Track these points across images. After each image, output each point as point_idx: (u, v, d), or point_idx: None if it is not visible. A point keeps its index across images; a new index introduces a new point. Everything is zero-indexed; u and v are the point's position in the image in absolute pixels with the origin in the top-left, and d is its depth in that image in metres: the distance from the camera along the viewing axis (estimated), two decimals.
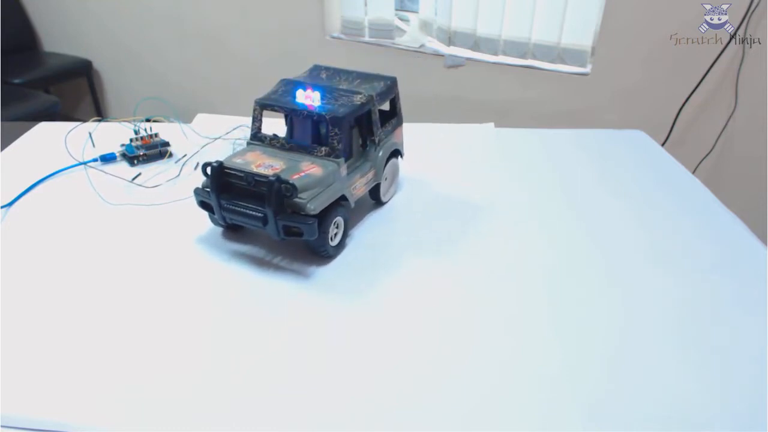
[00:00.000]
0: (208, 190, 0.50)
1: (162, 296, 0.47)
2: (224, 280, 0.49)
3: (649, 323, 0.44)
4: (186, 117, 0.78)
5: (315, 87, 0.54)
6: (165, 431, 0.35)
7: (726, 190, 0.74)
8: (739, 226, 0.58)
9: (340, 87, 0.55)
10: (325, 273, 0.50)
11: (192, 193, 0.52)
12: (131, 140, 0.70)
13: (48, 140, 0.74)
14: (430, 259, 0.52)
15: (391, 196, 0.63)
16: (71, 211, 0.59)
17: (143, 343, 0.42)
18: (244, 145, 0.55)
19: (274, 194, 0.46)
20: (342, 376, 0.39)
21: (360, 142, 0.56)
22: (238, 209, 0.49)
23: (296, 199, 0.47)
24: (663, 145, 0.86)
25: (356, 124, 0.55)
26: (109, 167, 0.67)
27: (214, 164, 0.49)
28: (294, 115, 0.53)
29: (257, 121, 0.55)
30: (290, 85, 0.55)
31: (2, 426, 0.35)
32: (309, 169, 0.49)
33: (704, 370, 0.40)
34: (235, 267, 0.51)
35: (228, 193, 0.50)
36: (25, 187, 0.63)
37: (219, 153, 0.69)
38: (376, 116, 0.55)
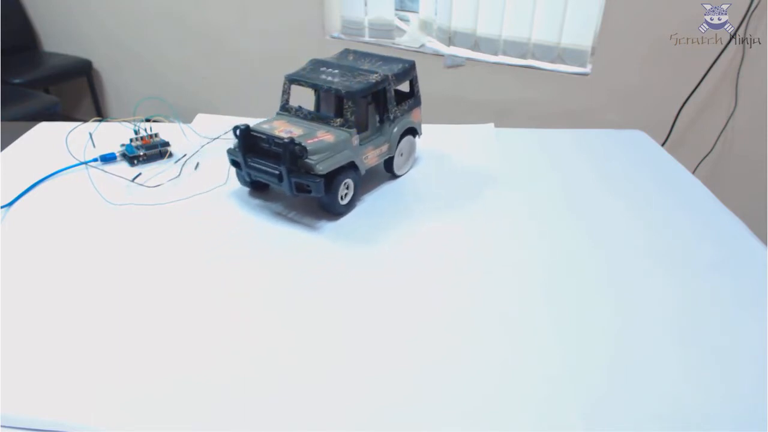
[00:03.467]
0: (237, 150, 0.57)
1: (162, 296, 0.47)
2: (225, 281, 0.49)
3: (649, 323, 0.44)
4: (186, 117, 0.78)
5: (338, 66, 0.62)
6: (165, 431, 0.35)
7: (726, 190, 0.74)
8: (739, 226, 0.58)
9: (361, 67, 0.62)
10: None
11: (191, 194, 0.56)
12: (131, 140, 0.70)
13: (48, 140, 0.74)
14: (429, 258, 0.52)
15: (407, 171, 0.69)
16: (71, 211, 0.59)
17: (143, 343, 0.42)
18: None
19: (288, 154, 0.53)
20: (335, 386, 0.39)
21: (377, 118, 0.62)
22: (259, 166, 0.57)
23: (307, 160, 0.54)
24: (663, 145, 0.86)
25: (374, 101, 0.61)
26: (109, 167, 0.67)
27: (242, 127, 0.56)
28: (316, 89, 0.60)
29: (285, 93, 0.62)
30: (317, 64, 0.63)
31: (2, 426, 0.35)
32: (323, 136, 0.56)
33: (704, 370, 0.40)
34: (236, 268, 0.51)
35: (253, 153, 0.57)
36: (25, 187, 0.63)
37: (219, 153, 0.69)
38: (391, 94, 0.61)
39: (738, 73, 1.24)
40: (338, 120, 0.58)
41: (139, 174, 0.66)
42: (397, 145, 0.64)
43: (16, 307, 0.46)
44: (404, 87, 0.66)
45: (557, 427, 0.36)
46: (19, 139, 0.76)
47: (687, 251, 0.54)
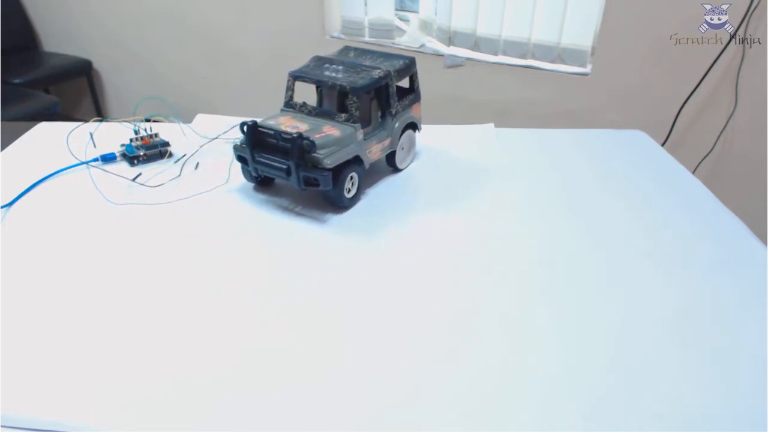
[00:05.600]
0: (244, 146, 0.58)
1: (163, 296, 0.47)
2: (225, 281, 0.49)
3: (649, 323, 0.44)
4: (186, 117, 0.78)
5: (340, 63, 0.63)
6: (165, 431, 0.35)
7: (726, 190, 0.74)
8: (739, 226, 0.58)
9: (363, 63, 0.63)
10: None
11: (193, 193, 0.57)
12: (131, 140, 0.70)
13: (48, 140, 0.74)
14: (429, 258, 0.52)
15: (408, 164, 0.70)
16: (71, 212, 0.59)
17: (144, 343, 0.42)
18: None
19: (297, 149, 0.54)
20: (335, 386, 0.39)
21: (379, 113, 0.63)
22: (267, 162, 0.57)
23: (315, 154, 0.55)
24: (663, 145, 0.86)
25: (376, 96, 0.62)
26: (109, 167, 0.67)
27: (250, 123, 0.57)
28: (321, 85, 0.61)
29: (290, 90, 0.63)
30: (320, 61, 0.65)
31: (2, 426, 0.35)
32: (329, 131, 0.57)
33: (704, 370, 0.40)
34: (237, 267, 0.51)
35: (260, 148, 0.58)
36: (25, 187, 0.63)
37: (219, 153, 0.69)
38: (393, 90, 0.63)
39: (738, 73, 1.24)
40: (343, 115, 0.59)
41: (140, 174, 0.66)
42: (399, 139, 0.65)
43: (17, 307, 0.46)
44: (405, 83, 0.67)
45: (557, 427, 0.36)
46: (19, 139, 0.76)
47: (687, 251, 0.54)
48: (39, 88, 2.05)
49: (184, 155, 0.70)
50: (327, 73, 0.61)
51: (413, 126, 0.68)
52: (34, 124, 0.80)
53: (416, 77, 0.67)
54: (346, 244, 0.54)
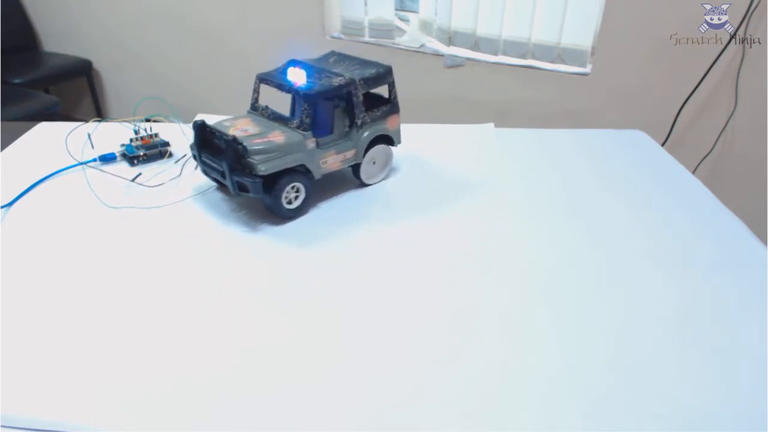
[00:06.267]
0: (194, 144, 0.58)
1: (163, 296, 0.47)
2: (225, 281, 0.49)
3: (649, 323, 0.44)
4: (186, 117, 0.78)
5: (304, 66, 0.60)
6: (165, 431, 0.35)
7: (726, 190, 0.74)
8: (739, 226, 0.58)
9: (332, 70, 0.60)
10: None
11: (193, 193, 0.57)
12: (131, 140, 0.70)
13: (48, 140, 0.74)
14: (429, 258, 0.52)
15: (380, 181, 0.66)
16: (71, 211, 0.59)
17: (144, 343, 0.42)
18: None
19: (231, 151, 0.54)
20: (335, 386, 0.39)
21: (347, 122, 0.60)
22: (209, 163, 0.57)
23: (249, 160, 0.53)
24: (663, 145, 0.86)
25: (346, 105, 0.59)
26: (110, 167, 0.67)
27: (199, 122, 0.57)
28: (280, 89, 0.59)
29: (255, 92, 0.62)
30: (291, 64, 0.62)
31: (2, 426, 0.35)
32: (274, 137, 0.55)
33: (704, 370, 0.40)
34: (237, 267, 0.51)
35: (207, 149, 0.57)
36: (25, 187, 0.63)
37: None
38: (357, 99, 0.59)
39: (738, 73, 1.24)
40: (295, 122, 0.57)
41: (140, 174, 0.66)
42: (366, 152, 0.62)
43: (17, 307, 0.46)
44: (383, 91, 0.64)
45: (557, 427, 0.36)
46: (19, 139, 0.76)
47: (687, 251, 0.54)
48: (39, 88, 2.05)
49: (185, 155, 0.70)
50: (291, 77, 0.59)
51: (388, 140, 0.64)
52: (34, 124, 0.80)
53: (394, 87, 0.63)
54: (345, 245, 0.54)
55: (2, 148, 0.73)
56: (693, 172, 0.69)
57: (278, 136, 0.55)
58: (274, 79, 0.59)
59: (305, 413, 0.36)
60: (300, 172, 0.57)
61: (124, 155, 0.70)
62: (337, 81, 0.57)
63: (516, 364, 0.40)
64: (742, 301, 0.47)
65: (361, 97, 0.59)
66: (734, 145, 1.32)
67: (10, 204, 0.60)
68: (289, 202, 0.57)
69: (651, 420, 0.36)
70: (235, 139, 0.53)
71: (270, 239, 0.55)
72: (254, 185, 0.53)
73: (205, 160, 0.58)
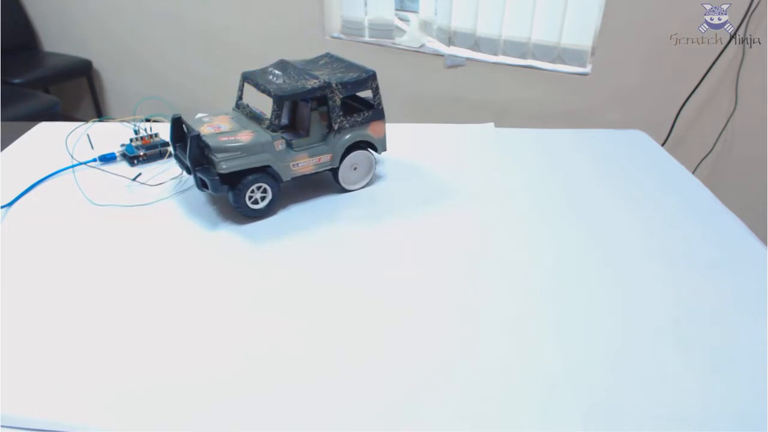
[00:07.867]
0: (171, 138, 0.59)
1: (163, 296, 0.47)
2: (223, 283, 0.49)
3: (650, 323, 0.44)
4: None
5: (294, 69, 0.60)
6: (165, 431, 0.35)
7: (726, 190, 0.74)
8: (739, 226, 0.58)
9: (313, 72, 0.60)
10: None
11: (192, 193, 0.57)
12: (131, 140, 0.70)
13: (48, 140, 0.74)
14: (429, 258, 0.52)
15: (361, 187, 0.65)
16: (71, 211, 0.59)
17: (144, 343, 0.42)
18: None
19: (194, 147, 0.54)
20: (335, 386, 0.39)
21: (325, 125, 0.60)
22: (180, 158, 0.58)
23: (212, 156, 0.54)
24: (663, 145, 0.86)
25: (326, 107, 0.59)
26: (109, 167, 0.67)
27: (174, 116, 0.58)
28: (257, 88, 0.59)
29: (239, 90, 0.62)
30: (279, 65, 0.62)
31: (2, 426, 0.35)
32: (242, 135, 0.55)
33: (704, 370, 0.40)
34: (237, 266, 0.51)
35: (182, 144, 0.58)
36: (25, 187, 0.63)
37: None
38: (334, 103, 0.58)
39: (738, 73, 1.24)
40: (266, 121, 0.57)
41: (140, 174, 0.66)
42: (343, 157, 0.61)
43: (16, 307, 0.46)
44: (368, 95, 0.63)
45: (557, 427, 0.36)
46: (19, 139, 0.76)
47: (687, 251, 0.54)
48: (39, 88, 2.05)
49: None
50: (271, 77, 0.59)
51: (371, 146, 0.63)
52: (34, 124, 0.80)
53: (378, 93, 0.62)
54: (345, 246, 0.54)
55: (2, 148, 0.73)
56: (693, 172, 0.69)
57: (246, 135, 0.55)
58: (255, 78, 0.60)
59: (305, 413, 0.36)
60: (269, 173, 0.57)
61: (124, 155, 0.70)
62: (311, 83, 0.57)
63: (516, 364, 0.40)
64: (742, 301, 0.47)
65: (339, 101, 0.58)
66: (734, 145, 1.32)
67: (10, 204, 0.60)
68: (255, 202, 0.57)
69: (651, 420, 0.36)
70: (198, 135, 0.54)
71: (270, 239, 0.55)
72: (213, 182, 0.54)
73: (178, 154, 0.59)
